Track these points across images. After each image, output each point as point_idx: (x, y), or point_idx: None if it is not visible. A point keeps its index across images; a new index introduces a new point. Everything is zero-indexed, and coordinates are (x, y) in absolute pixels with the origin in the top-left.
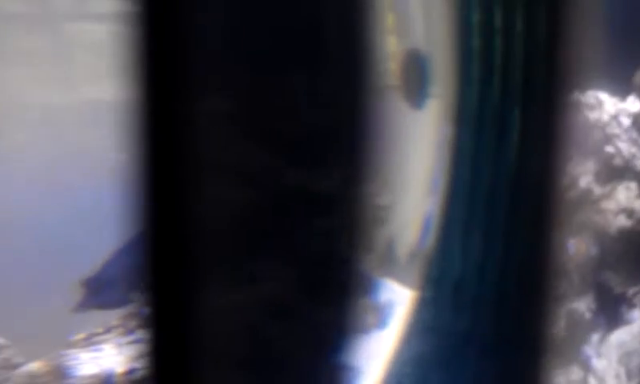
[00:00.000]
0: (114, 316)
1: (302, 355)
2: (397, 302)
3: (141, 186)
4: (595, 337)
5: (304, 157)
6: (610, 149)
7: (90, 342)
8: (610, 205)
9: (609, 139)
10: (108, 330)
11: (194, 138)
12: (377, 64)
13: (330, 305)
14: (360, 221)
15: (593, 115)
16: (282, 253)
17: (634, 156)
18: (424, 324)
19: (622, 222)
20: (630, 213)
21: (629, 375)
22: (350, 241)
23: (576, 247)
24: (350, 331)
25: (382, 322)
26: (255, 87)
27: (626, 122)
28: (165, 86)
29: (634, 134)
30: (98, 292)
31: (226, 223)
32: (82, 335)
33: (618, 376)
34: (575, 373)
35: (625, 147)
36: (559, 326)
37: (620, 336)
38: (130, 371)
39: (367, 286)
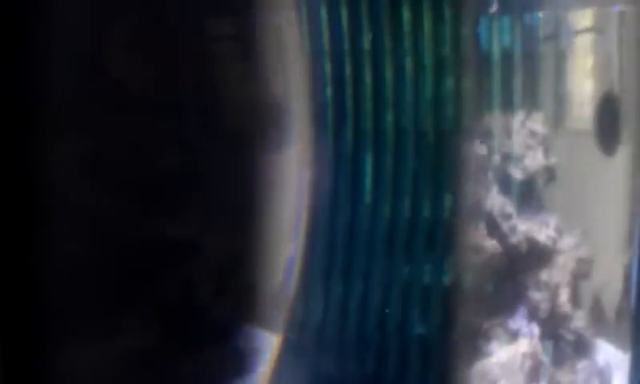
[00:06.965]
0: None
1: None
2: (262, 347)
3: None
4: (457, 369)
5: (161, 203)
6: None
7: None
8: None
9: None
10: None
11: (40, 182)
12: (238, 111)
13: (192, 354)
14: (221, 267)
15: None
16: (141, 303)
17: (481, 197)
18: (290, 368)
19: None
20: (478, 250)
21: None
22: (211, 288)
23: None
24: (214, 380)
25: (247, 369)
26: (111, 129)
27: (473, 165)
28: None
29: (482, 177)
30: None
31: (78, 275)
32: None
33: None
34: None
35: (471, 189)
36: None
37: (480, 367)
38: None
39: (231, 334)
